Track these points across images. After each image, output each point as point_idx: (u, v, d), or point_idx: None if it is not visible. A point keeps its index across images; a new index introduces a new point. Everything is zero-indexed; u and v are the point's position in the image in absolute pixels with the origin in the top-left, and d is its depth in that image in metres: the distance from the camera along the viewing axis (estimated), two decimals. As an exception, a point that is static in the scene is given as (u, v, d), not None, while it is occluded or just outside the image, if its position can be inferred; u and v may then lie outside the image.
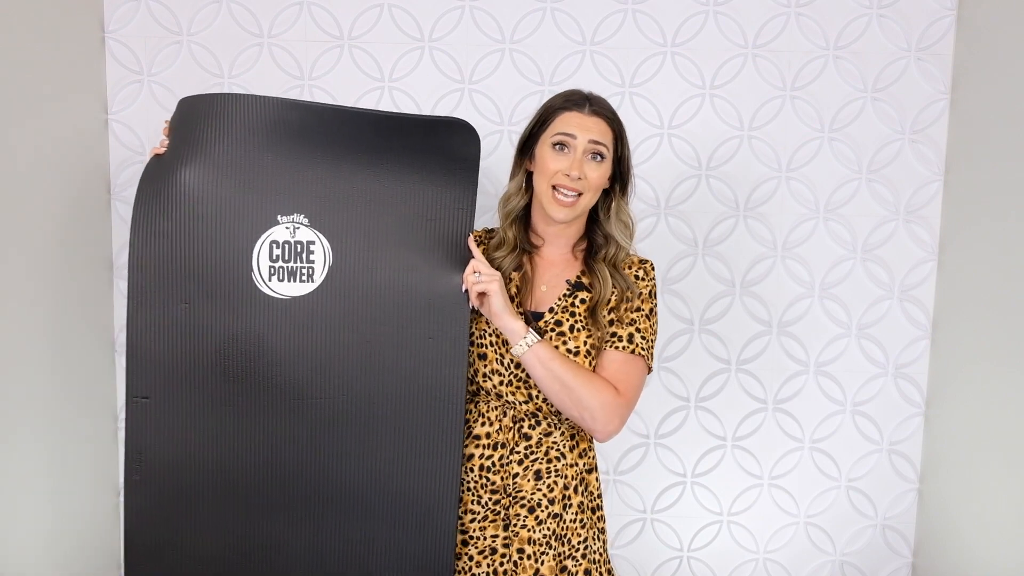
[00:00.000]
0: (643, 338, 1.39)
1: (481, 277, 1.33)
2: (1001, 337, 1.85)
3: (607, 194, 1.43)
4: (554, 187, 1.36)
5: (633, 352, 1.38)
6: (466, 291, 1.37)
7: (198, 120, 1.40)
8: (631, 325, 1.39)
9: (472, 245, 1.39)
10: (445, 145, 1.42)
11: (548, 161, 1.36)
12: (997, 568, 1.85)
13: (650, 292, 1.43)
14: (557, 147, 1.37)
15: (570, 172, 1.34)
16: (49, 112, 1.81)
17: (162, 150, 1.42)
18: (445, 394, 1.39)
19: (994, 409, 1.87)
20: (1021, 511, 1.78)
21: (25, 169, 1.73)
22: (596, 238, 1.44)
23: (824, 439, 2.15)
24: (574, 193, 1.35)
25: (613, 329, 1.39)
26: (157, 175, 1.40)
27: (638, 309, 1.41)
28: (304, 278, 1.38)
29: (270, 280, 1.38)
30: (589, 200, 1.38)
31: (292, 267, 1.38)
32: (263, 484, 1.40)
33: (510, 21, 2.04)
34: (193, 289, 1.37)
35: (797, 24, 2.04)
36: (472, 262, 1.36)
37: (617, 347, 1.38)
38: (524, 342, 1.32)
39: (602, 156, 1.36)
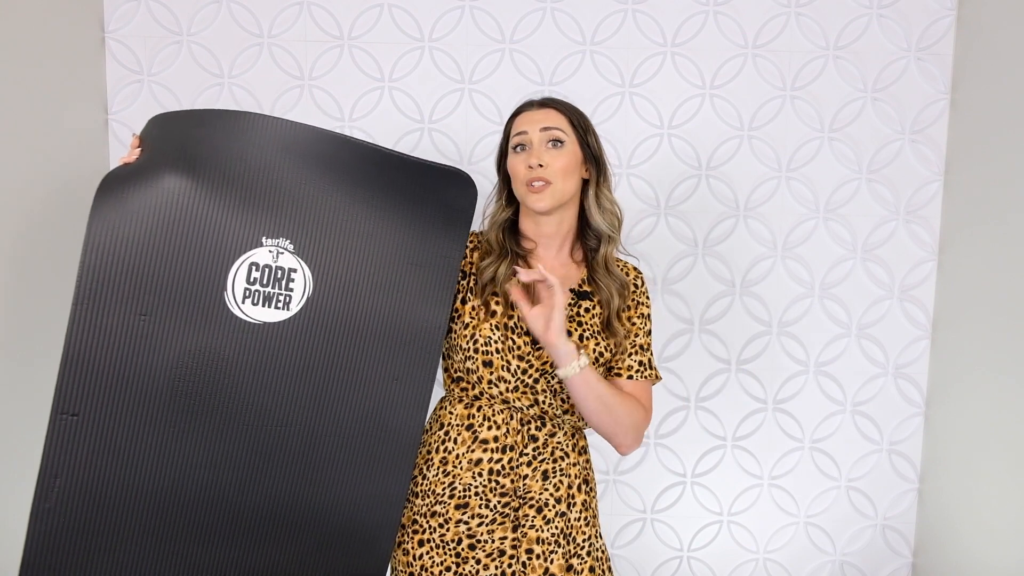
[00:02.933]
0: (651, 356, 1.46)
1: (553, 291, 1.28)
2: (1001, 337, 1.85)
3: (588, 185, 1.45)
4: (527, 184, 1.39)
5: (651, 376, 1.46)
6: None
7: (184, 131, 1.33)
8: (645, 351, 1.45)
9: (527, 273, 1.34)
10: (442, 193, 1.41)
11: (514, 166, 1.42)
12: (997, 568, 1.85)
13: (649, 309, 1.48)
14: (517, 149, 1.42)
15: (529, 162, 1.37)
16: (49, 112, 1.81)
17: (131, 159, 1.34)
18: (400, 435, 1.39)
19: (994, 409, 1.87)
20: (1021, 511, 1.78)
21: (25, 169, 1.73)
22: (589, 242, 1.46)
23: (824, 439, 2.15)
24: (543, 182, 1.38)
25: (629, 360, 1.43)
26: (128, 176, 1.30)
27: (648, 333, 1.46)
28: (280, 305, 1.33)
29: (243, 303, 1.31)
30: (563, 187, 1.39)
31: (269, 292, 1.32)
32: (197, 511, 1.33)
33: (510, 21, 2.04)
34: (154, 301, 1.28)
35: (797, 24, 2.04)
36: (542, 270, 1.30)
37: (646, 375, 1.44)
38: (576, 364, 1.31)
39: (560, 141, 1.39)
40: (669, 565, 2.19)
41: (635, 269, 1.49)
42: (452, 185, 1.41)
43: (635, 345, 1.44)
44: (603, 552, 1.48)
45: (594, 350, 1.40)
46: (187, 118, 1.35)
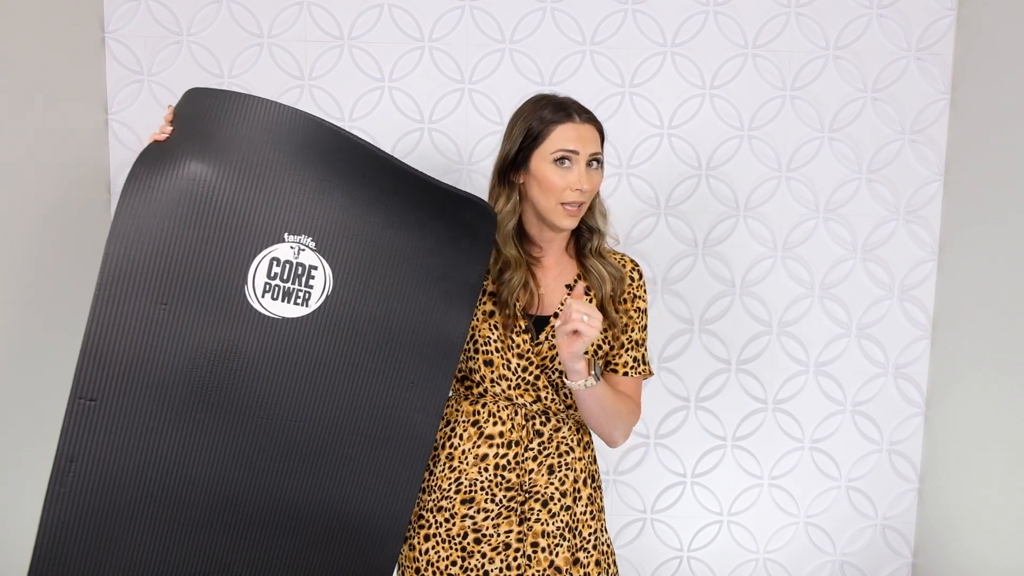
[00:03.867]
0: (645, 351, 1.47)
1: (584, 327, 1.26)
2: (1001, 337, 1.85)
3: None
4: (563, 204, 1.38)
5: (644, 371, 1.48)
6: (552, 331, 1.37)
7: (215, 115, 1.32)
8: (640, 347, 1.46)
9: (581, 294, 1.39)
10: (466, 218, 1.41)
11: (552, 177, 1.37)
12: (997, 568, 1.85)
13: (646, 303, 1.49)
14: (560, 162, 1.37)
15: (581, 186, 1.36)
16: (49, 112, 1.82)
17: (163, 137, 1.33)
18: (414, 440, 1.39)
19: (994, 409, 1.87)
20: (1021, 511, 1.78)
21: (25, 169, 1.73)
22: (582, 232, 1.48)
23: (824, 439, 2.15)
24: (580, 204, 1.39)
25: (625, 356, 1.45)
26: (156, 164, 1.29)
27: (645, 327, 1.47)
28: (299, 301, 1.33)
29: (263, 297, 1.32)
30: (589, 203, 1.43)
31: (289, 288, 1.33)
32: (209, 501, 1.34)
33: (510, 21, 2.04)
34: (175, 291, 1.29)
35: (797, 24, 2.04)
36: (581, 303, 1.29)
37: (640, 371, 1.46)
38: (585, 383, 1.33)
39: (599, 162, 1.41)
40: (669, 565, 2.19)
41: (632, 262, 1.50)
42: (475, 213, 1.41)
43: (631, 340, 1.45)
44: (608, 546, 1.50)
45: (592, 342, 1.40)
46: (221, 100, 1.34)
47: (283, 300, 1.33)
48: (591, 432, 1.53)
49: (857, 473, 2.16)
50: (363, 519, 1.40)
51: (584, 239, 1.48)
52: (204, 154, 1.30)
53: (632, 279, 1.47)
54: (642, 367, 1.46)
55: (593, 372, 1.33)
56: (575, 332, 1.27)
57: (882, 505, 2.17)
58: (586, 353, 1.38)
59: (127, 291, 1.27)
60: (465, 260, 1.40)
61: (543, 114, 1.39)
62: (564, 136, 1.37)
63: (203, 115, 1.34)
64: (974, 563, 1.93)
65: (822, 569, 2.19)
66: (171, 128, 1.34)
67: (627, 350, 1.45)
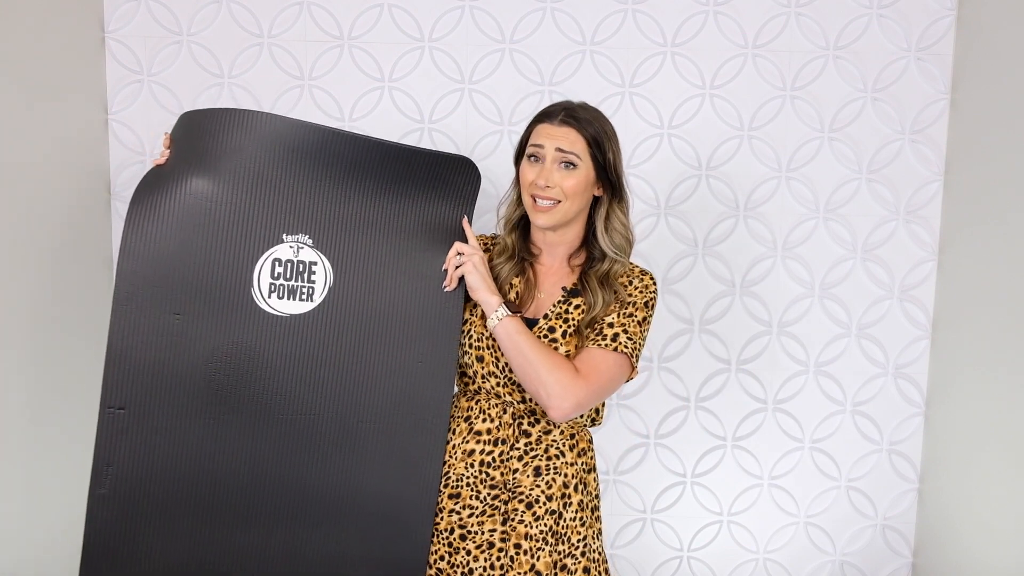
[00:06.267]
0: (629, 339, 1.40)
1: (462, 258, 1.41)
2: (1001, 337, 1.85)
3: (599, 203, 1.47)
4: (532, 197, 1.42)
5: (616, 350, 1.39)
6: (445, 270, 1.45)
7: (207, 133, 1.40)
8: (619, 327, 1.40)
9: (466, 226, 1.47)
10: (448, 180, 1.47)
11: (524, 173, 1.44)
12: (997, 568, 1.85)
13: (646, 302, 1.44)
14: (531, 159, 1.43)
15: (537, 180, 1.40)
16: (49, 112, 1.82)
17: (162, 161, 1.41)
18: (430, 415, 1.44)
19: (994, 409, 1.87)
20: (1021, 511, 1.78)
21: (25, 169, 1.73)
22: (594, 252, 1.48)
23: (824, 439, 2.15)
24: (551, 200, 1.40)
25: (600, 328, 1.41)
26: (158, 183, 1.39)
27: (631, 315, 1.42)
28: (304, 297, 1.40)
29: (269, 297, 1.40)
30: (570, 206, 1.41)
31: (293, 286, 1.40)
32: (240, 496, 1.40)
33: (510, 21, 2.04)
34: (187, 301, 1.37)
35: (797, 24, 2.04)
36: (456, 243, 1.43)
37: (599, 344, 1.39)
38: (495, 315, 1.37)
39: (573, 164, 1.40)
40: (669, 565, 2.19)
41: (641, 272, 1.47)
42: (458, 173, 1.47)
43: (602, 322, 1.41)
44: (600, 554, 1.48)
45: (577, 346, 1.41)
46: (210, 118, 1.41)
47: (288, 298, 1.40)
48: (592, 442, 1.52)
49: (857, 473, 2.16)
50: (392, 501, 1.44)
51: (595, 260, 1.47)
52: (202, 170, 1.38)
53: (631, 282, 1.45)
54: (609, 343, 1.38)
55: (501, 306, 1.38)
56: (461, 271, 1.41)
57: (882, 505, 2.17)
58: (554, 331, 1.41)
59: (142, 305, 1.36)
60: (449, 226, 1.47)
61: (535, 117, 1.47)
62: (537, 133, 1.43)
63: (197, 135, 1.41)
64: (974, 563, 1.93)
65: (822, 569, 2.19)
66: (169, 152, 1.42)
67: (594, 329, 1.41)
